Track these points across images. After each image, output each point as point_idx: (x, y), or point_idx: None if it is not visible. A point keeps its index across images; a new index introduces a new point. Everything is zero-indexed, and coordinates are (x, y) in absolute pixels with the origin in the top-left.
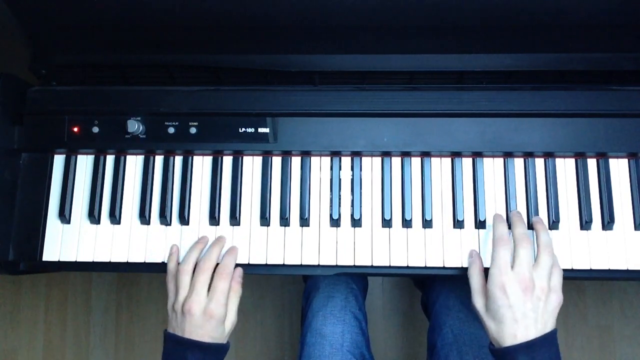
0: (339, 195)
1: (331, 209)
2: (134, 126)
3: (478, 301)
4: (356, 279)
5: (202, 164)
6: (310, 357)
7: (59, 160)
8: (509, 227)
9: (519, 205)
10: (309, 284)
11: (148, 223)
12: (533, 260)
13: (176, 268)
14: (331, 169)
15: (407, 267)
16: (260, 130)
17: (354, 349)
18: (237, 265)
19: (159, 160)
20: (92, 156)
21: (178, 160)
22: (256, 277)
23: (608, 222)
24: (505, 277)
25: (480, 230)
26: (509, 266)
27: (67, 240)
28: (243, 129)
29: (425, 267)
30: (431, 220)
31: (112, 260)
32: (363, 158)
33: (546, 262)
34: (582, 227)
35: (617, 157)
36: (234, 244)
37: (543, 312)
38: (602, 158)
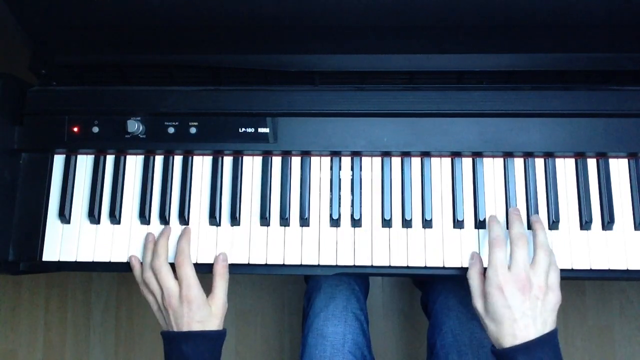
0: (339, 195)
1: (331, 209)
2: (134, 126)
3: (478, 303)
4: (358, 280)
5: (202, 164)
6: (311, 357)
7: (59, 160)
8: (507, 227)
9: (519, 205)
10: (311, 285)
11: (148, 223)
12: (530, 260)
13: (141, 278)
14: (331, 169)
15: (407, 267)
16: (260, 130)
17: (355, 349)
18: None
19: (158, 160)
20: (92, 156)
21: (178, 160)
22: (256, 277)
23: (608, 222)
24: (502, 277)
25: (480, 230)
26: (506, 266)
27: (67, 240)
28: (243, 129)
29: (425, 267)
30: (431, 220)
31: (112, 260)
32: (363, 158)
33: (543, 261)
34: (582, 227)
35: (617, 157)
36: (234, 243)
37: (542, 311)
38: (602, 158)
